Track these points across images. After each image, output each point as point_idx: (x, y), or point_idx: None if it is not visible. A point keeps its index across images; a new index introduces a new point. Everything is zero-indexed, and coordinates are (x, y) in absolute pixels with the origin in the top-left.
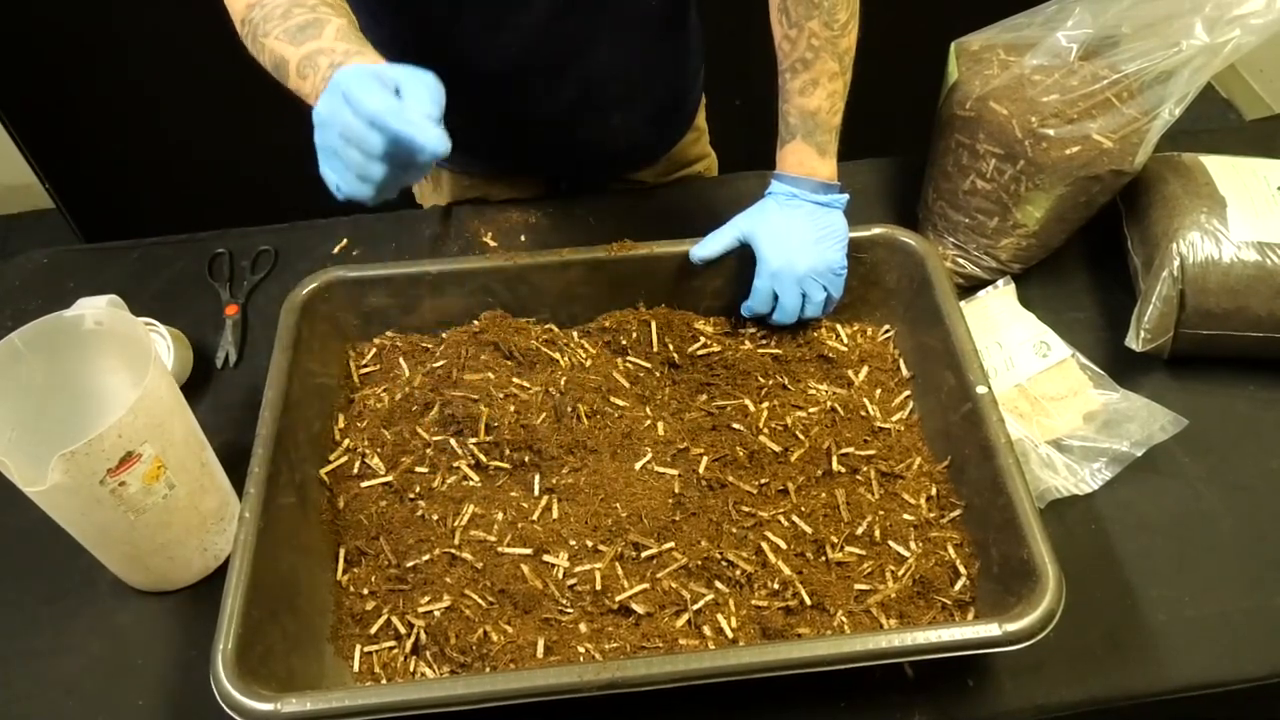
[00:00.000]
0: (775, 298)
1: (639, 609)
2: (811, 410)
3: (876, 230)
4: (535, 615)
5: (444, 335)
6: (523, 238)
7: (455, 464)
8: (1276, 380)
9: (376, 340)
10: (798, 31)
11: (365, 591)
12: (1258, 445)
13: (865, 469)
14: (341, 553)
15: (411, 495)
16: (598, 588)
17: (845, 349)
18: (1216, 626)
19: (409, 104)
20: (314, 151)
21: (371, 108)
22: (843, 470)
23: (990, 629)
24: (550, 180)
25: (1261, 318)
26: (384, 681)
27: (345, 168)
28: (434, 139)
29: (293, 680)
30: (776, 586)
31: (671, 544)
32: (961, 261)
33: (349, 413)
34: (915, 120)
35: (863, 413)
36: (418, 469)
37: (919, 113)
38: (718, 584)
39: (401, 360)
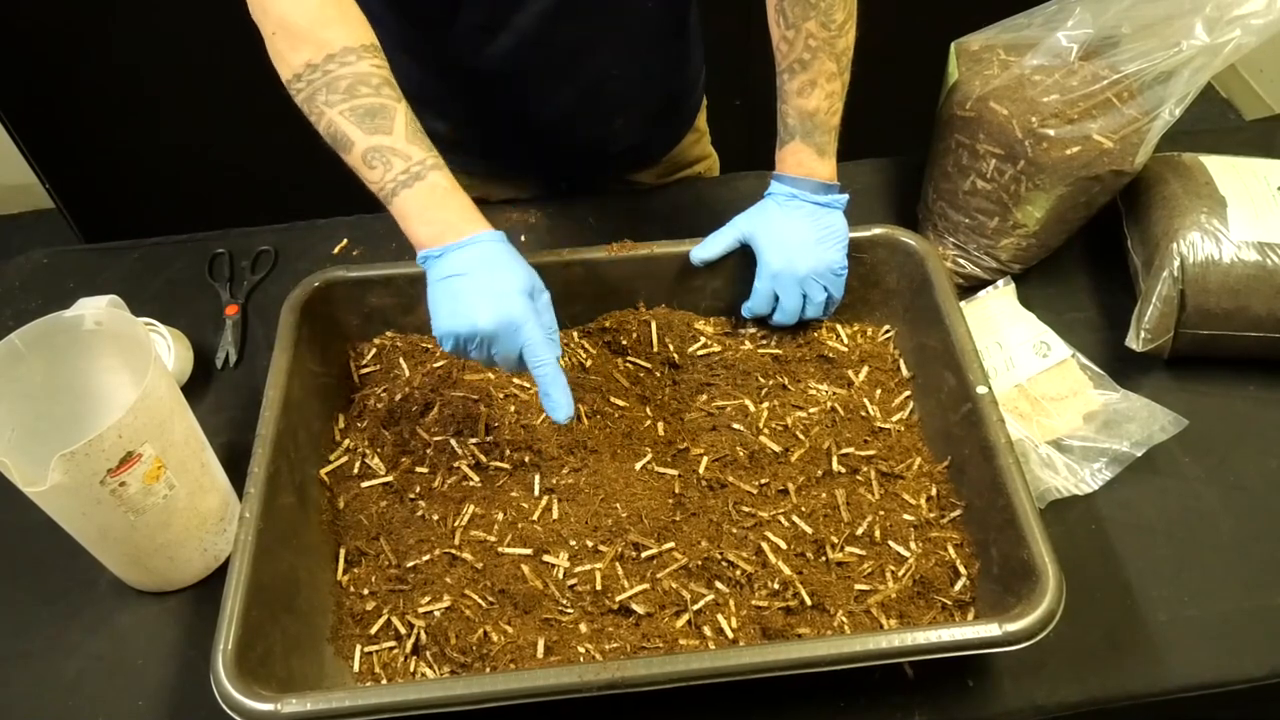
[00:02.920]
0: (776, 299)
1: (639, 609)
2: (811, 410)
3: (876, 230)
4: (535, 615)
5: None
6: (523, 238)
7: (455, 464)
8: (1276, 380)
9: (376, 340)
10: (795, 32)
11: (365, 592)
12: (1258, 445)
13: (865, 469)
14: (341, 553)
15: (411, 495)
16: (598, 588)
17: (845, 349)
18: (1216, 626)
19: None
20: (315, 151)
21: (544, 374)
22: (843, 470)
23: (990, 629)
24: (550, 180)
25: (1261, 318)
26: (384, 682)
27: (466, 352)
28: (568, 419)
29: (293, 680)
30: (776, 586)
31: (671, 544)
32: (961, 261)
33: (349, 413)
34: (915, 120)
35: (863, 413)
36: (418, 469)
37: (919, 113)
38: (718, 584)
39: (401, 360)
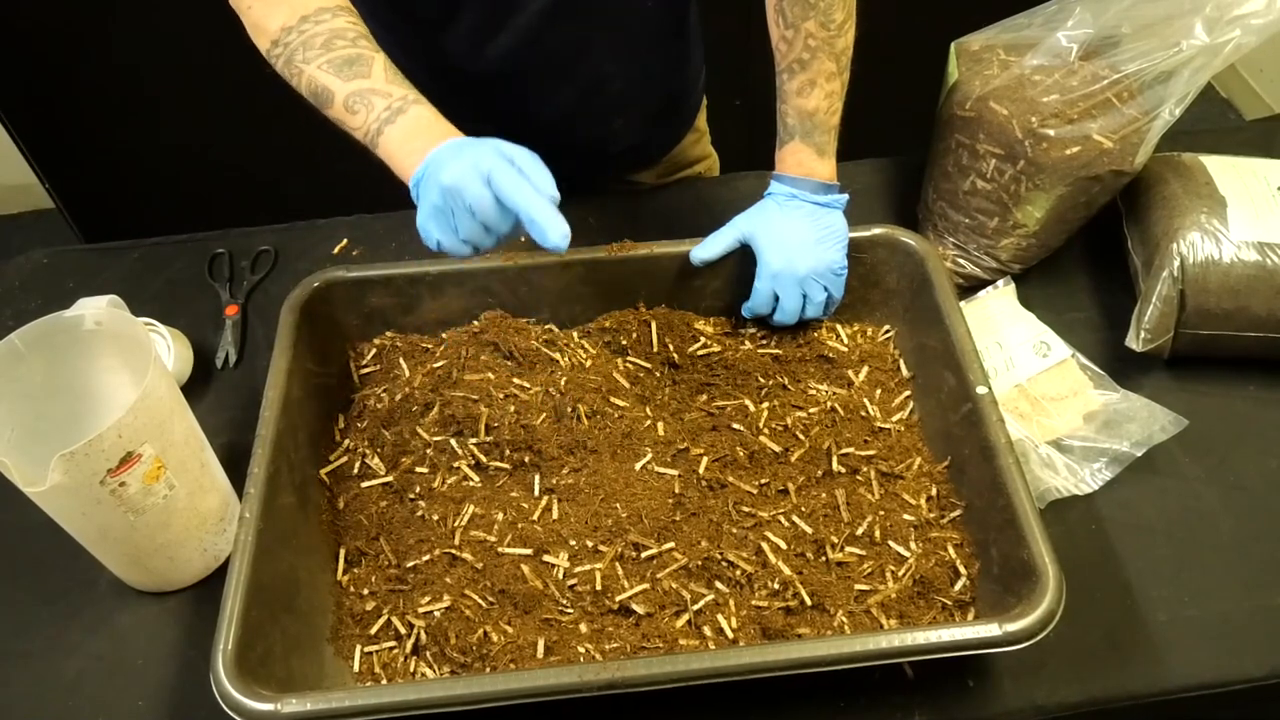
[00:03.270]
0: (776, 299)
1: (639, 609)
2: (811, 410)
3: (876, 230)
4: (535, 615)
5: (444, 335)
6: (523, 238)
7: (455, 464)
8: (1276, 380)
9: (376, 340)
10: (794, 32)
11: (365, 592)
12: (1258, 445)
13: (865, 469)
14: (341, 553)
15: (411, 495)
16: (598, 588)
17: (845, 349)
18: (1216, 626)
19: (543, 193)
20: (315, 151)
21: (516, 198)
22: (843, 470)
23: (990, 629)
24: None
25: (1261, 318)
26: (384, 682)
27: (454, 231)
28: (563, 237)
29: (293, 680)
30: (776, 587)
31: (671, 544)
32: (961, 261)
33: (349, 413)
34: (915, 120)
35: (863, 413)
36: (418, 469)
37: (919, 113)
38: (718, 584)
39: (401, 360)
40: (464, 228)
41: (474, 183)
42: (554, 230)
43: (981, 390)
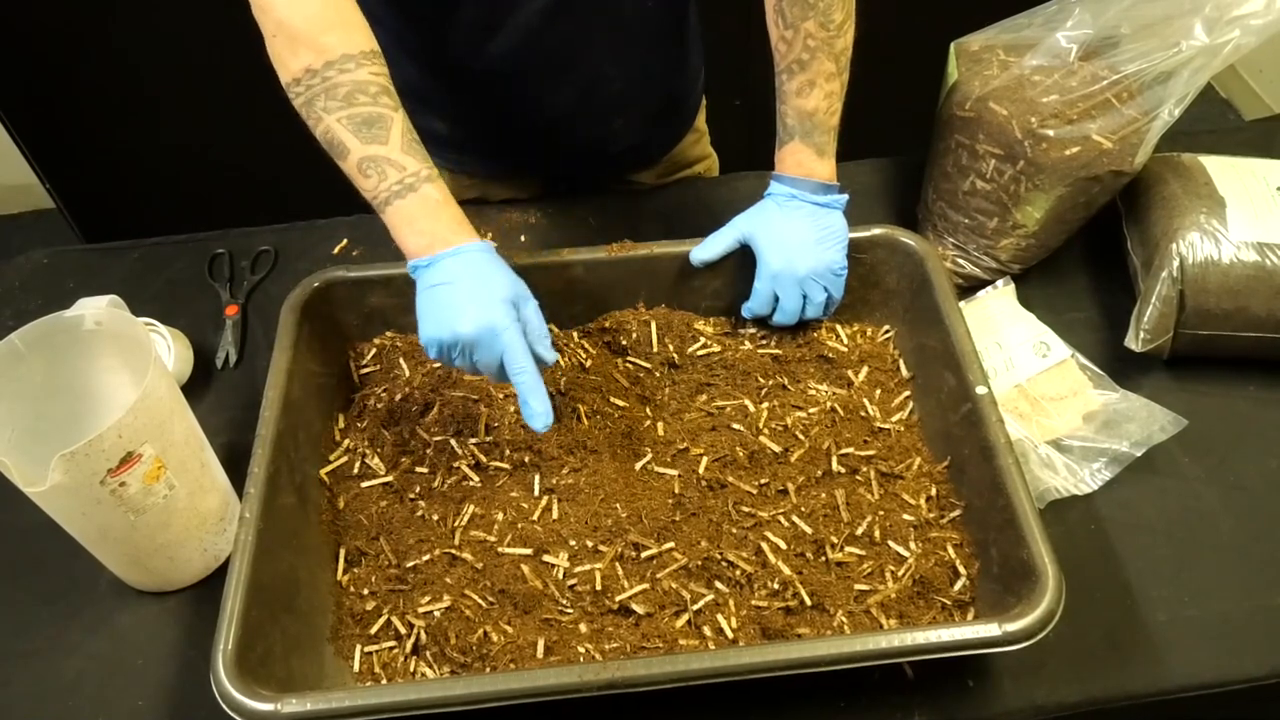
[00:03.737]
0: (776, 299)
1: (639, 609)
2: (811, 410)
3: (876, 231)
4: (535, 615)
5: None
6: (523, 238)
7: (455, 464)
8: (1276, 380)
9: (376, 340)
10: (793, 32)
11: (365, 591)
12: (1258, 445)
13: (865, 469)
14: (341, 553)
15: (411, 495)
16: (598, 588)
17: (845, 349)
18: (1216, 626)
19: (541, 356)
20: (315, 151)
21: (522, 381)
22: (842, 470)
23: (990, 629)
24: (550, 180)
25: (1261, 318)
26: (384, 682)
27: (450, 360)
28: (545, 427)
29: (293, 680)
30: (776, 587)
31: (671, 544)
32: (961, 262)
33: (349, 413)
34: (915, 120)
35: (863, 413)
36: (418, 469)
37: (919, 113)
38: (718, 584)
39: (401, 360)
40: (461, 363)
41: (488, 347)
42: (539, 420)
43: (981, 390)
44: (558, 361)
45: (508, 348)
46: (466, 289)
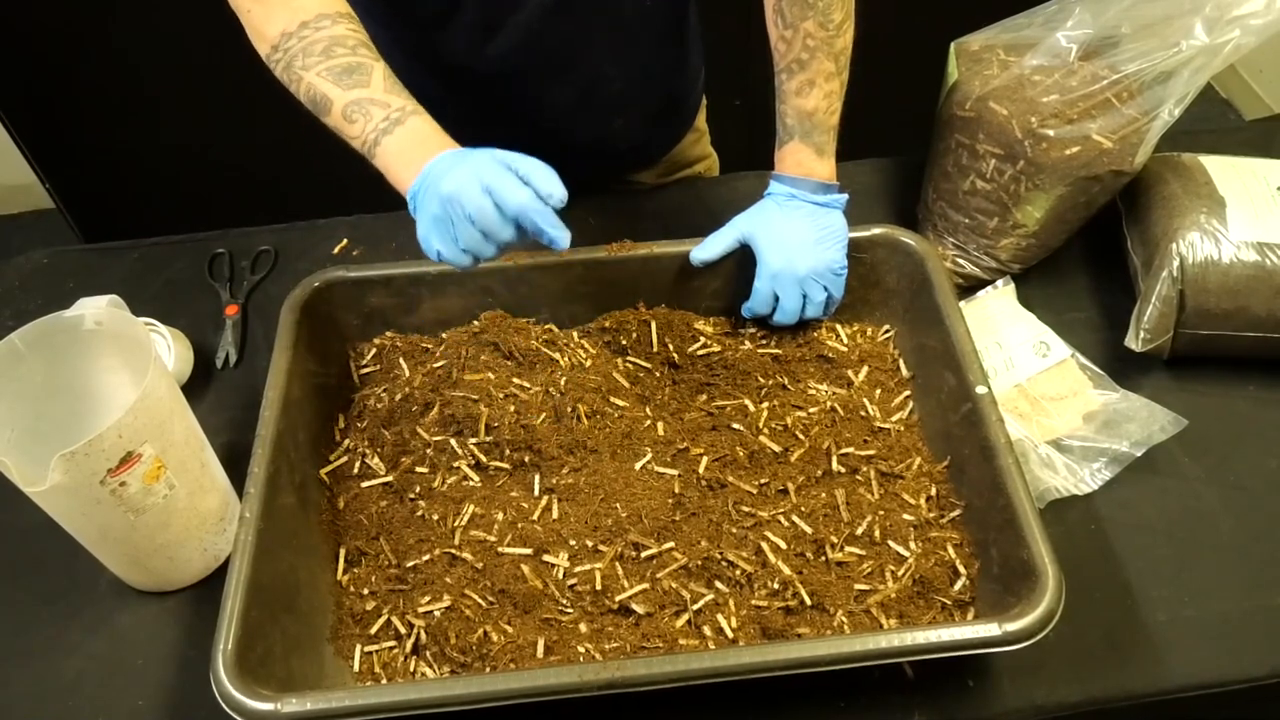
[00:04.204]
0: (776, 299)
1: (639, 609)
2: (811, 410)
3: (876, 230)
4: (535, 615)
5: (444, 335)
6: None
7: (455, 464)
8: (1276, 380)
9: (376, 340)
10: (793, 32)
11: (365, 591)
12: (1258, 445)
13: (865, 469)
14: (341, 553)
15: (411, 495)
16: (598, 588)
17: (845, 349)
18: (1216, 626)
19: (547, 197)
20: (315, 151)
21: (517, 203)
22: (842, 470)
23: (990, 629)
24: None
25: (1261, 318)
26: (384, 681)
27: (454, 240)
28: (566, 239)
29: (293, 680)
30: (776, 586)
31: (671, 544)
32: (961, 261)
33: (349, 413)
34: (915, 120)
35: (863, 413)
36: (418, 469)
37: (919, 113)
38: (718, 584)
39: (401, 360)
40: (464, 237)
41: (473, 191)
42: (558, 236)
43: (981, 390)
44: (558, 361)
45: (495, 182)
46: (447, 161)
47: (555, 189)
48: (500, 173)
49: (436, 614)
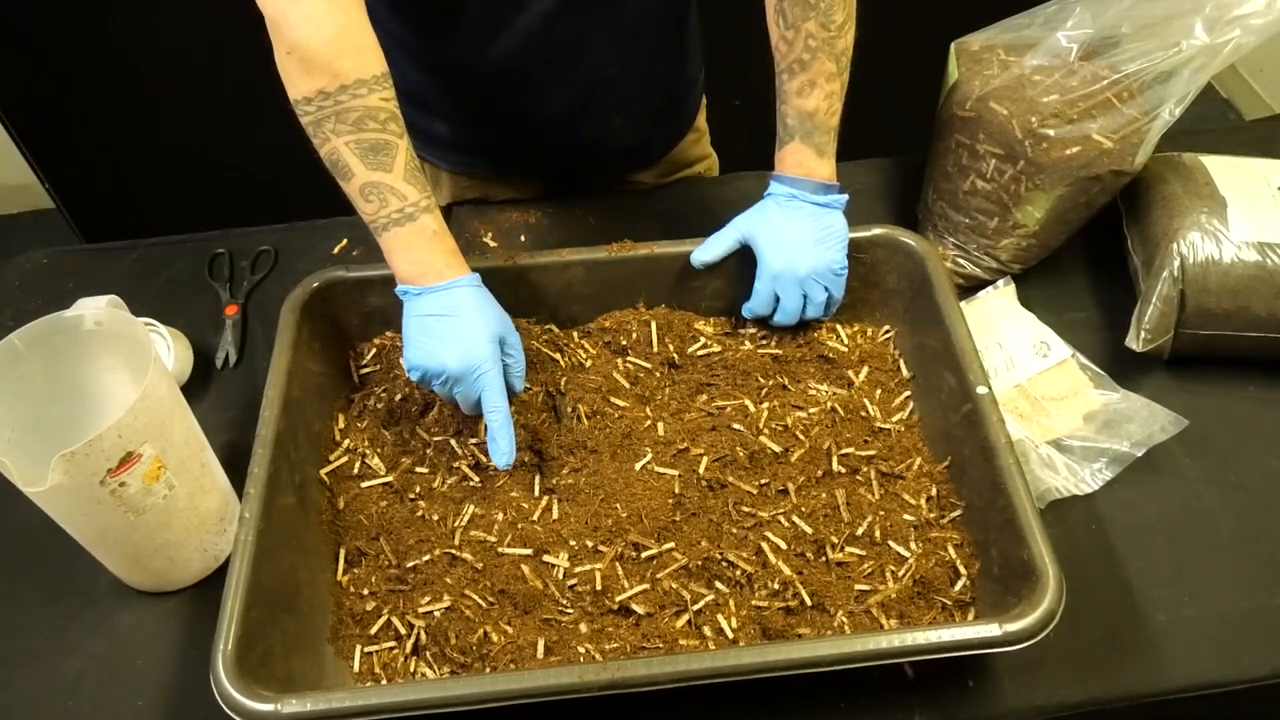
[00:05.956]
0: (776, 299)
1: (639, 609)
2: (811, 410)
3: (876, 230)
4: (535, 615)
5: None
6: (523, 238)
7: (455, 464)
8: (1276, 380)
9: (376, 340)
10: (794, 33)
11: (365, 592)
12: (1258, 445)
13: (865, 469)
14: (341, 553)
15: (411, 495)
16: (598, 588)
17: (845, 349)
18: (1216, 626)
19: (513, 387)
20: (315, 152)
21: (493, 419)
22: (843, 470)
23: (990, 629)
24: (550, 180)
25: (1262, 318)
26: (384, 682)
27: (430, 386)
28: (506, 465)
29: (293, 681)
30: (776, 587)
31: (671, 544)
32: (961, 261)
33: (349, 413)
34: (915, 120)
35: (863, 413)
36: (418, 469)
37: (919, 113)
38: (718, 584)
39: (401, 360)
40: (440, 390)
41: (469, 385)
42: (503, 457)
43: (981, 390)
44: (558, 362)
45: (486, 387)
46: (456, 325)
47: (519, 386)
48: (494, 380)
49: (436, 614)
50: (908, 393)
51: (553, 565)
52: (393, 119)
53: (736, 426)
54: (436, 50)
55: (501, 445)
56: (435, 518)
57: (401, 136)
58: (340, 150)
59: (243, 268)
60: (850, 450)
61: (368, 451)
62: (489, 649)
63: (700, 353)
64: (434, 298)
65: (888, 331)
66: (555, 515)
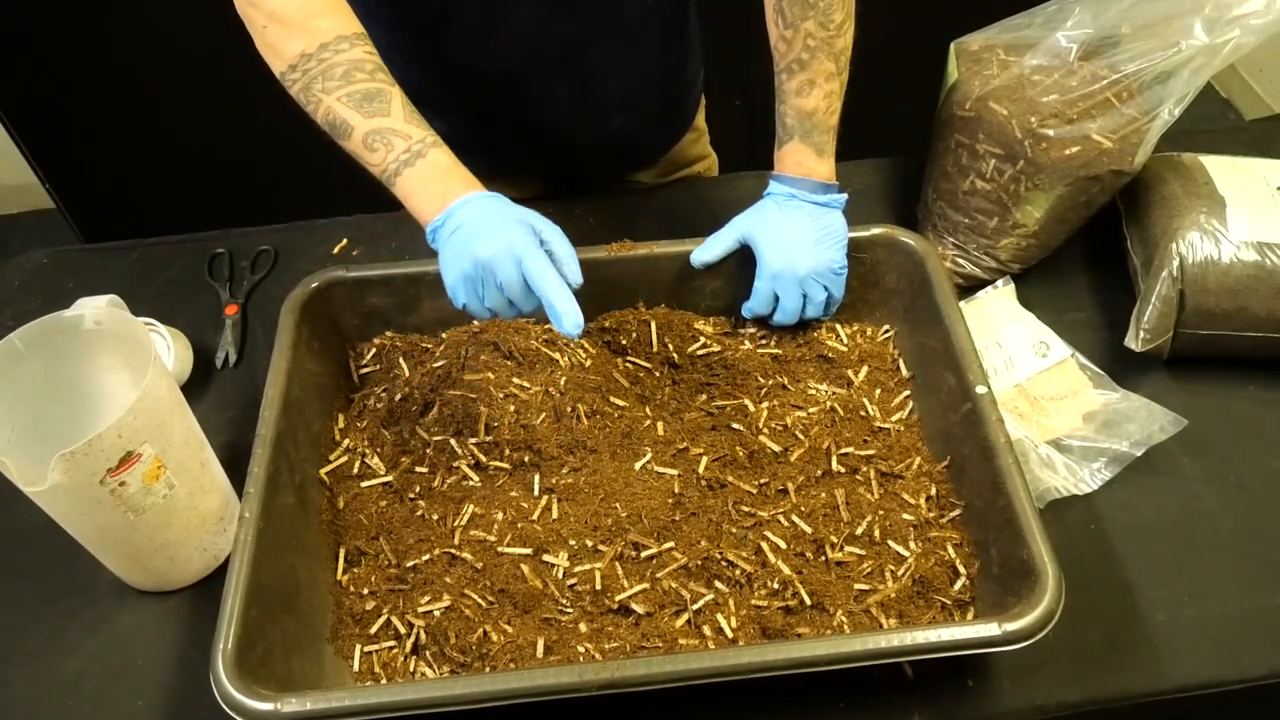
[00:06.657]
0: (776, 299)
1: (639, 609)
2: (811, 410)
3: (876, 230)
4: (535, 615)
5: (444, 335)
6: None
7: (455, 464)
8: (1276, 380)
9: (376, 340)
10: (793, 32)
11: (365, 591)
12: (1258, 445)
13: (865, 469)
14: (341, 553)
15: (411, 495)
16: (598, 588)
17: (845, 349)
18: (1216, 626)
19: (569, 279)
20: (315, 151)
21: (544, 283)
22: (842, 470)
23: (990, 629)
24: (550, 180)
25: (1261, 318)
26: (384, 681)
27: (480, 299)
28: (576, 327)
29: (292, 680)
30: (776, 586)
31: (671, 544)
32: (961, 261)
33: (349, 413)
34: (915, 120)
35: (862, 413)
36: (418, 469)
37: (919, 113)
38: (717, 584)
39: (401, 360)
40: (491, 298)
41: (507, 263)
42: (569, 319)
43: (981, 390)
44: (558, 361)
45: (526, 258)
46: (482, 222)
47: (575, 276)
48: (533, 249)
49: (436, 614)
50: (907, 392)
51: (552, 565)
52: (379, 69)
53: (736, 426)
54: (434, 49)
55: (562, 306)
56: (435, 517)
57: (393, 85)
58: (334, 108)
59: (243, 268)
60: (850, 450)
61: (367, 451)
62: (489, 648)
63: (700, 352)
64: (456, 214)
65: (887, 331)
66: (555, 515)
